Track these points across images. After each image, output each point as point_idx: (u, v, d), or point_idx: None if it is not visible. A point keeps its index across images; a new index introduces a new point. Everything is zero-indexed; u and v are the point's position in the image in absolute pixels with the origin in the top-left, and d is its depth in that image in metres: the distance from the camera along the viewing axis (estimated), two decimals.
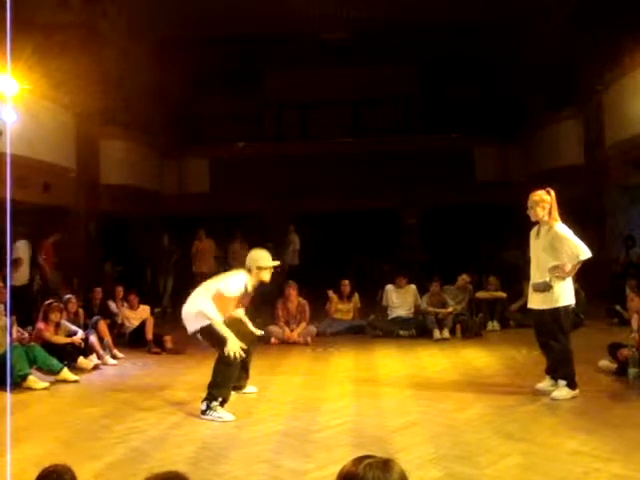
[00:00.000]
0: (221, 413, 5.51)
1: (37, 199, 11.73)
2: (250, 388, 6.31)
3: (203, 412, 5.52)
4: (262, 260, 5.84)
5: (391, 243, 17.29)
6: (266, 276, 5.86)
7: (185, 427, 5.22)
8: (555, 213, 5.83)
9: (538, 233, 5.96)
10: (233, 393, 5.83)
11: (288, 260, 14.86)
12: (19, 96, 9.36)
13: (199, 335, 5.74)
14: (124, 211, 14.90)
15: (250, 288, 5.86)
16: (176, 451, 4.61)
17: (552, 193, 5.86)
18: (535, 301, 5.96)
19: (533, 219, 5.96)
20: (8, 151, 7.71)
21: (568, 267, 5.76)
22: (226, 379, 5.62)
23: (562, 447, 4.44)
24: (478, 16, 15.26)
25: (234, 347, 5.51)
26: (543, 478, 3.95)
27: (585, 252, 5.71)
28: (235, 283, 5.75)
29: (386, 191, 16.75)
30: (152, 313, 9.59)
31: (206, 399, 5.56)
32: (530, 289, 6.04)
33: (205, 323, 5.62)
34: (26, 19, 10.97)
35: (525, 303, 9.75)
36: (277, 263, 5.94)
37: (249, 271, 5.82)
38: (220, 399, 5.59)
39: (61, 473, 2.41)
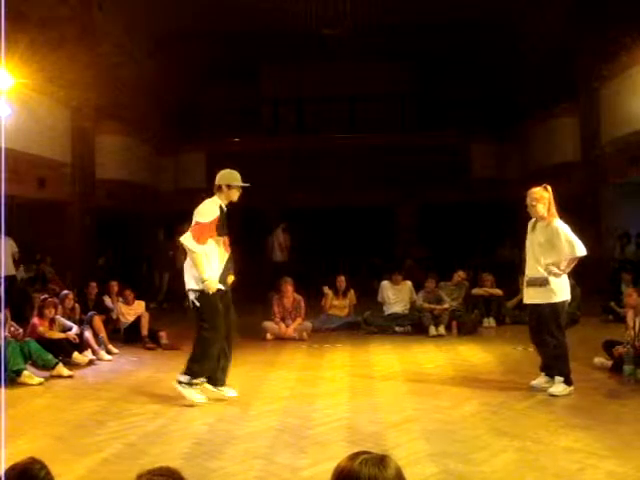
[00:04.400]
0: (194, 394, 5.58)
1: (32, 194, 11.70)
2: (230, 392, 5.89)
3: (179, 382, 5.59)
4: (232, 179, 5.80)
5: (387, 239, 17.30)
6: (235, 195, 5.83)
7: (180, 423, 5.21)
8: (553, 209, 5.87)
9: (534, 227, 5.97)
10: (210, 387, 5.77)
11: (280, 257, 15.04)
12: (14, 90, 9.34)
13: (191, 295, 5.70)
14: (120, 206, 14.87)
15: (224, 207, 5.80)
16: (171, 447, 4.59)
17: (549, 189, 5.90)
18: (530, 296, 5.97)
19: (534, 216, 5.96)
20: (2, 145, 7.68)
21: (564, 264, 5.79)
22: (205, 355, 5.64)
23: (557, 444, 4.45)
24: (475, 14, 15.23)
25: (211, 285, 5.55)
26: (538, 474, 3.96)
27: (581, 249, 5.75)
28: (207, 208, 5.72)
29: (382, 187, 16.76)
30: (147, 308, 9.56)
31: (186, 373, 5.62)
32: (525, 284, 6.05)
33: (198, 286, 5.61)
34: (21, 13, 10.92)
35: (522, 300, 9.84)
36: (247, 184, 5.84)
37: (219, 189, 5.79)
38: (201, 379, 5.63)
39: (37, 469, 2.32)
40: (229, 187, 5.77)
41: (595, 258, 10.64)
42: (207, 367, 5.70)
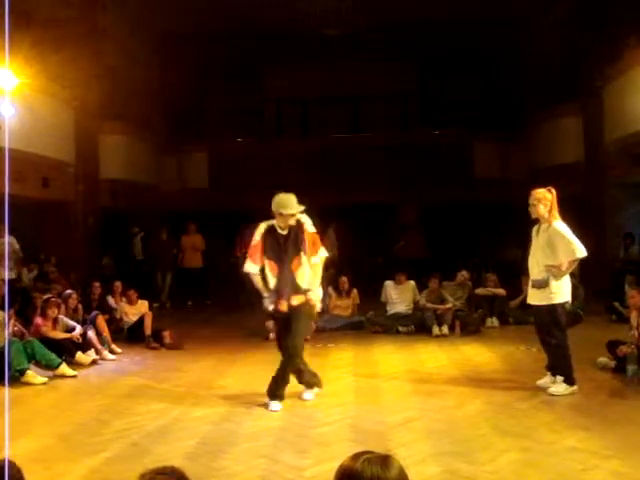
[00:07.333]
0: (270, 402, 5.59)
1: (36, 194, 11.71)
2: (306, 394, 5.90)
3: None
4: (280, 205, 5.78)
5: (390, 239, 17.27)
6: (285, 221, 5.75)
7: (184, 422, 5.22)
8: (555, 212, 5.90)
9: (538, 230, 6.02)
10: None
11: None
12: (18, 90, 9.35)
13: None
14: (123, 206, 14.88)
15: (281, 230, 5.78)
16: (175, 446, 4.60)
17: (553, 192, 5.94)
18: (533, 297, 6.04)
19: (534, 216, 6.02)
20: (6, 145, 7.70)
21: (564, 265, 5.81)
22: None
23: (560, 443, 4.45)
24: (478, 12, 15.22)
25: (265, 304, 5.73)
26: (541, 474, 3.96)
27: (581, 250, 5.77)
28: (256, 231, 5.83)
29: (385, 187, 16.72)
30: (150, 308, 9.57)
31: None
32: (529, 285, 6.09)
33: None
34: (25, 13, 10.93)
35: (525, 299, 9.82)
36: (301, 208, 5.80)
37: (274, 213, 5.84)
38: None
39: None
40: (280, 215, 5.73)
41: (599, 258, 10.62)
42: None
